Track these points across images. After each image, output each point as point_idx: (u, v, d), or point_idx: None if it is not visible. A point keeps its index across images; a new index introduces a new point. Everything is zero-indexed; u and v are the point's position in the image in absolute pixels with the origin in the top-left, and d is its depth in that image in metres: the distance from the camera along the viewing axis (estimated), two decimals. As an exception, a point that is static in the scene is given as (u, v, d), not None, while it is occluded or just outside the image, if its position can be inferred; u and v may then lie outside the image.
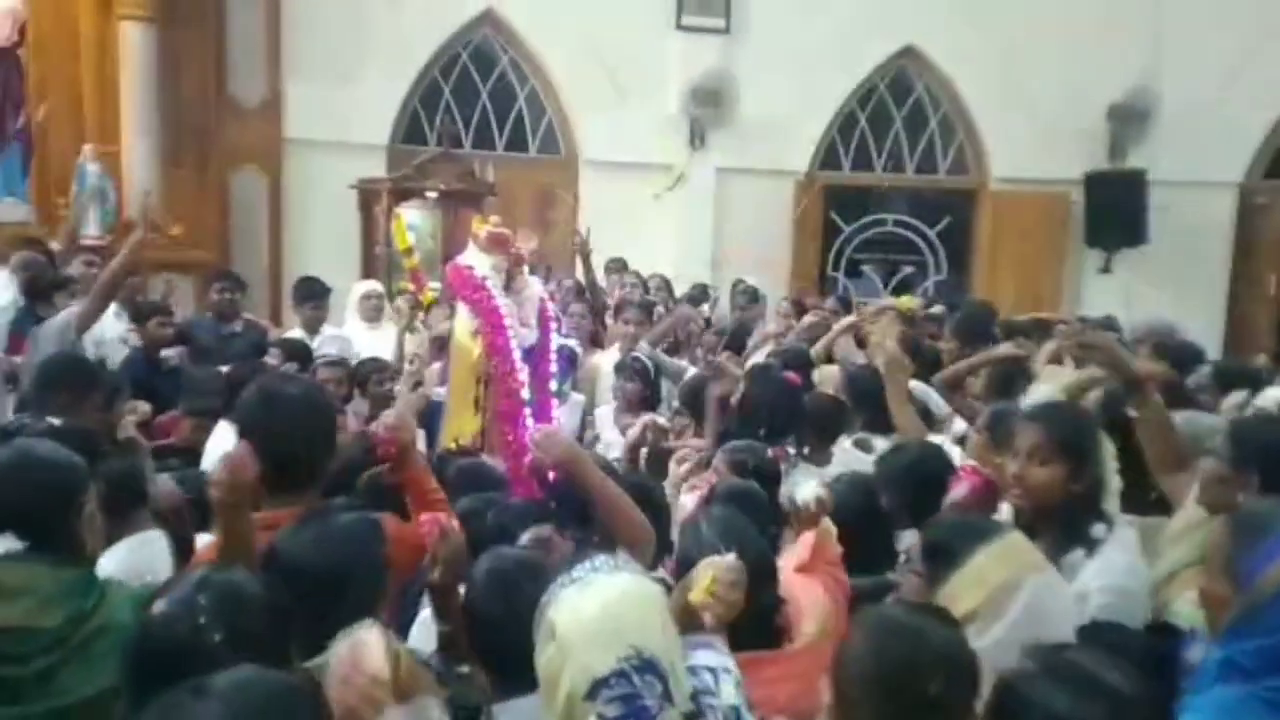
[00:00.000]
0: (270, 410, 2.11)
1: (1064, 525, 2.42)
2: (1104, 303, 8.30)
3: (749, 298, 7.02)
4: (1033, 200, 9.46)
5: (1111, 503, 2.40)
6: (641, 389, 4.55)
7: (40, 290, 4.95)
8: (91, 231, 7.12)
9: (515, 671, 1.68)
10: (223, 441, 3.12)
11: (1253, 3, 8.88)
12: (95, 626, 1.69)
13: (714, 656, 1.58)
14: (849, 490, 2.80)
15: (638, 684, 1.38)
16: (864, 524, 2.68)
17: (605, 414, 4.65)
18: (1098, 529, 2.38)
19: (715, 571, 1.66)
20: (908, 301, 5.81)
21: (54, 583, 1.66)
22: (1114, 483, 2.38)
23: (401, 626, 2.06)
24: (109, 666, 1.60)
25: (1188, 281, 9.07)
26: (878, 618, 1.56)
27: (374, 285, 6.67)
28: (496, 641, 1.76)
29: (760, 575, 1.92)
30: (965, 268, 9.93)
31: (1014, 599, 1.80)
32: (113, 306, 5.17)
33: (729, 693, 1.52)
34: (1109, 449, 2.42)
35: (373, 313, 6.28)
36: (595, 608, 1.44)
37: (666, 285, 7.19)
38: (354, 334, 6.05)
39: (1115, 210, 9.13)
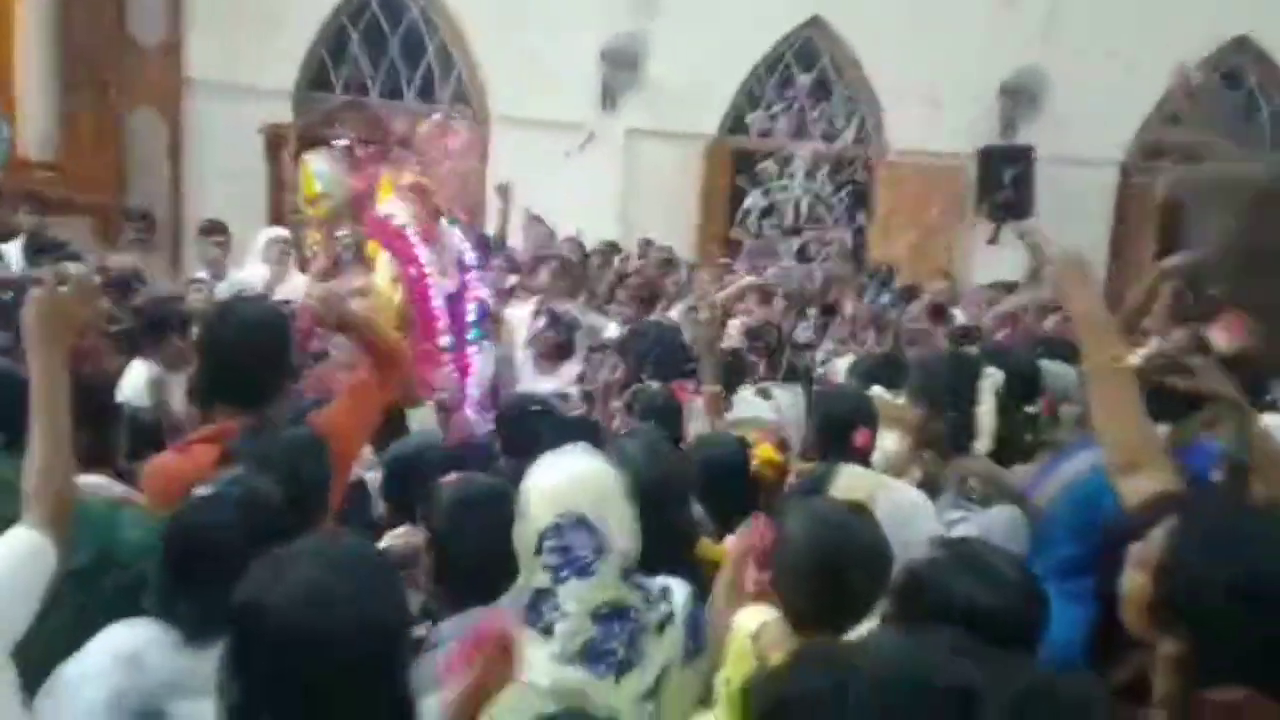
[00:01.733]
0: (227, 325, 2.21)
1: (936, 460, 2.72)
2: (992, 271, 8.71)
3: (665, 260, 7.17)
4: (928, 172, 9.83)
5: (983, 441, 2.65)
6: (558, 338, 4.69)
7: None
8: (-17, 170, 6.89)
9: (467, 589, 1.86)
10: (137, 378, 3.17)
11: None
12: (84, 563, 1.78)
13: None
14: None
15: (570, 538, 1.61)
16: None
17: (523, 360, 4.79)
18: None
19: None
20: None
21: (18, 475, 1.76)
22: (986, 424, 2.64)
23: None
24: (80, 546, 1.73)
25: (1069, 254, 9.57)
26: (811, 511, 1.77)
27: (281, 231, 6.60)
28: (457, 559, 1.92)
29: (672, 494, 2.13)
30: (863, 235, 10.25)
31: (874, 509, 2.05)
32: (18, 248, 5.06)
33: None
34: (985, 391, 2.66)
35: (279, 259, 6.23)
36: (544, 479, 1.69)
37: (579, 246, 7.30)
38: (259, 280, 6.00)
39: (1004, 183, 9.56)
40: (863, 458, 2.71)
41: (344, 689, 1.24)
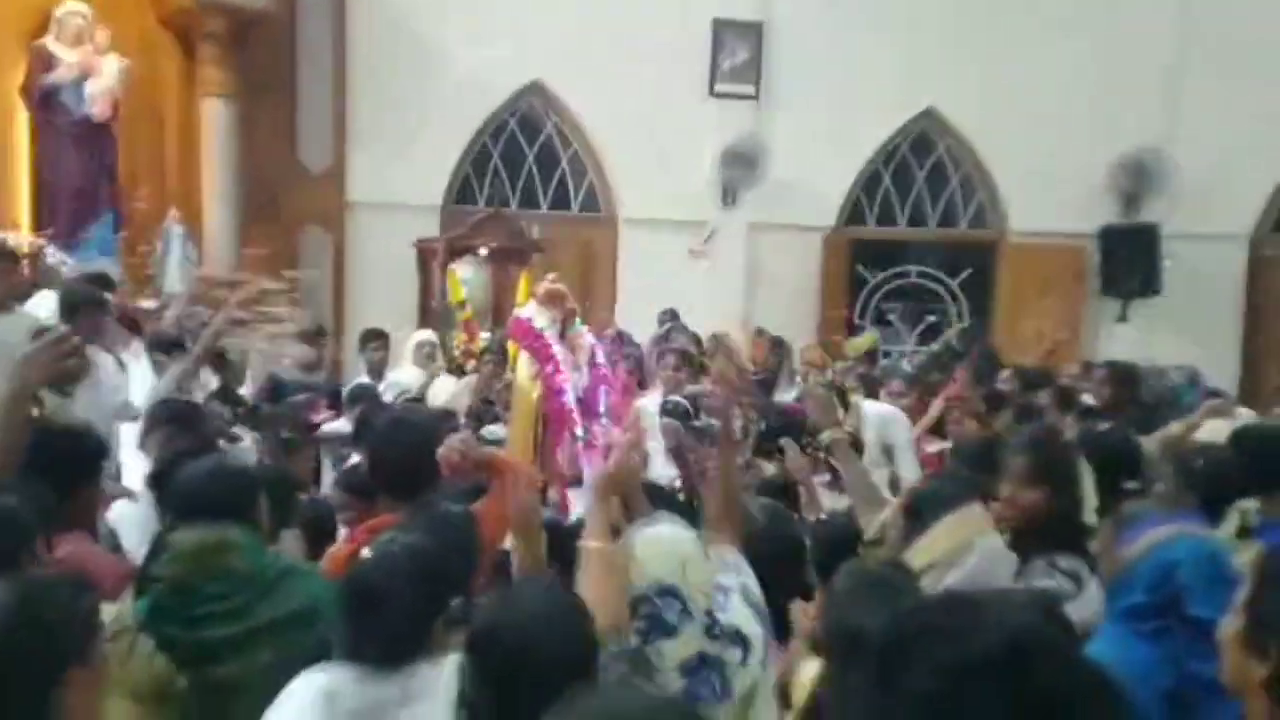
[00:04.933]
0: (395, 431, 2.69)
1: (1043, 538, 2.91)
2: (1121, 350, 8.69)
3: (772, 344, 7.51)
4: (1050, 252, 9.92)
5: (1089, 515, 2.86)
6: (679, 429, 5.07)
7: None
8: (175, 287, 7.78)
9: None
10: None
11: (1263, 61, 9.32)
12: (280, 570, 2.31)
13: (731, 576, 2.10)
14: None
15: (659, 605, 1.98)
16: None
17: (654, 449, 5.19)
18: (1068, 561, 2.82)
19: None
20: (864, 343, 6.33)
21: (245, 541, 2.25)
22: (1090, 500, 2.85)
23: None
24: (293, 596, 2.25)
25: (1202, 330, 9.44)
26: (849, 571, 2.08)
27: (428, 334, 7.22)
28: None
29: (789, 552, 2.47)
30: (987, 316, 10.37)
31: (969, 554, 2.32)
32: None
33: (735, 610, 2.03)
34: (1086, 470, 2.88)
35: (426, 360, 6.80)
36: (637, 551, 2.06)
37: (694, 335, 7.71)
38: (412, 380, 6.61)
39: (1129, 262, 9.57)
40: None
41: (556, 688, 1.65)
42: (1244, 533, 2.68)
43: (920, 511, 2.46)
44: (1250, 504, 2.77)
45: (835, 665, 0.77)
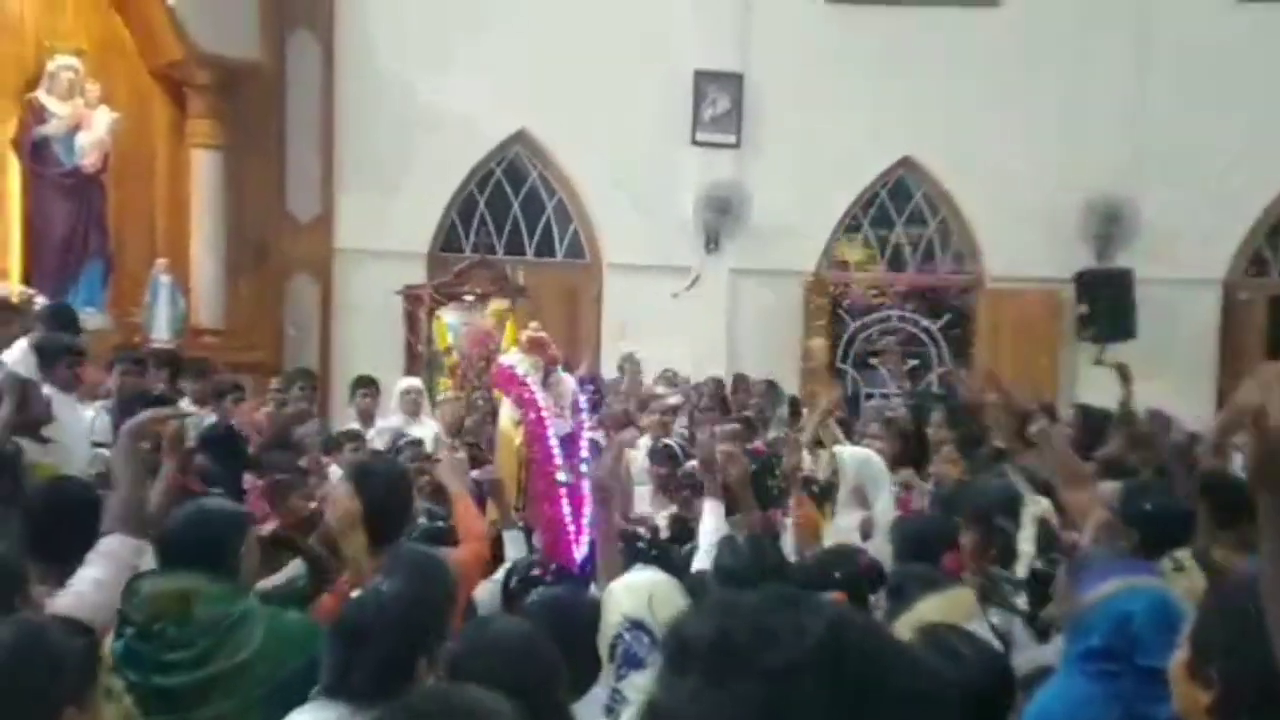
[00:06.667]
0: (367, 483, 2.78)
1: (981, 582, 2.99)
2: (1098, 393, 8.80)
3: (768, 387, 7.62)
4: (1027, 297, 10.08)
5: (1021, 567, 2.93)
6: (670, 473, 5.17)
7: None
8: (163, 335, 7.87)
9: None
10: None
11: (1234, 106, 9.51)
12: (238, 616, 2.33)
13: None
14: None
15: (629, 640, 2.06)
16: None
17: (642, 493, 5.29)
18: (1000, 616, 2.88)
19: None
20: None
21: (209, 590, 2.31)
22: (1025, 548, 2.93)
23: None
24: (245, 645, 2.29)
25: (1178, 373, 9.55)
26: None
27: (414, 381, 7.28)
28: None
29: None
30: (967, 360, 10.50)
31: None
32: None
33: None
34: (1029, 517, 2.96)
35: (412, 406, 6.87)
36: (613, 593, 2.18)
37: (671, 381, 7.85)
38: (398, 426, 6.67)
39: (1104, 306, 9.72)
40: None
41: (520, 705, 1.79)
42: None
43: (902, 589, 2.51)
44: (1183, 554, 2.83)
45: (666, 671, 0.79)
